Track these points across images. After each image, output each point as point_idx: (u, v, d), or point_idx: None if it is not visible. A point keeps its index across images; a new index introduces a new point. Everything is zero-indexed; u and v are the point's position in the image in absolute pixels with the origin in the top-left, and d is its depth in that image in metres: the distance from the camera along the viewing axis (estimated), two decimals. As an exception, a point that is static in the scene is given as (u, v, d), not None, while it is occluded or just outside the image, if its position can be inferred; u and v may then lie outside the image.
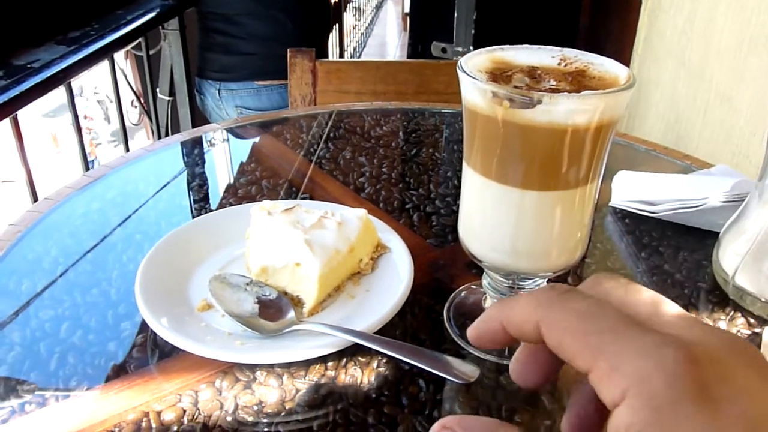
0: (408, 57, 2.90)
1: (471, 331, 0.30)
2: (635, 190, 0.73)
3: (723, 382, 0.23)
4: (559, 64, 0.49)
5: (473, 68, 0.47)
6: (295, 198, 0.78)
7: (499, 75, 0.47)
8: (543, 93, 0.42)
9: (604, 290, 0.28)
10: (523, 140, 0.44)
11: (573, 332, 0.25)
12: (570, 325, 0.25)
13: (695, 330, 0.25)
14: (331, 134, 0.95)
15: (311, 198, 0.77)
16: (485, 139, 0.46)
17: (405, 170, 0.85)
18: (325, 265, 0.54)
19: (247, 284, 0.56)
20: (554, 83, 0.46)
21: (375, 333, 0.51)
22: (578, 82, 0.46)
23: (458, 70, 0.46)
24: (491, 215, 0.48)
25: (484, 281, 0.55)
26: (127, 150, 1.80)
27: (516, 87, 0.45)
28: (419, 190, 0.80)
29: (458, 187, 0.80)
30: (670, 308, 0.27)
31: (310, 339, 0.52)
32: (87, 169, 1.63)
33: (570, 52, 0.50)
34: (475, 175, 0.48)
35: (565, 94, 0.42)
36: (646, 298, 0.27)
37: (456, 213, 0.74)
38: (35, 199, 1.35)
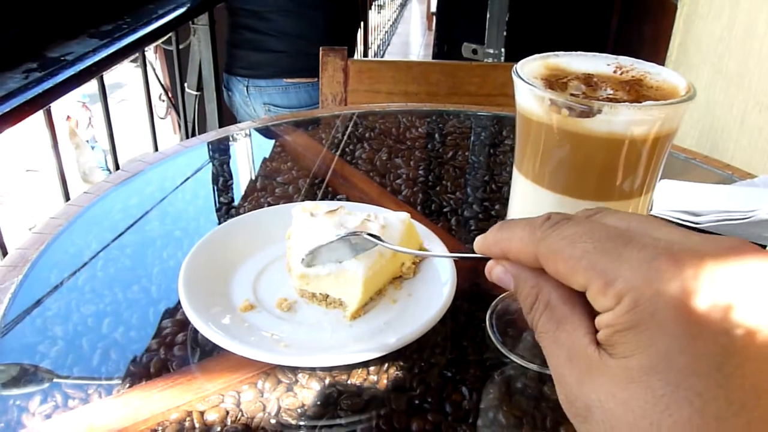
0: (433, 57, 2.88)
1: (477, 244, 0.35)
2: (678, 200, 0.72)
3: (710, 285, 0.24)
4: (614, 72, 0.48)
5: (528, 75, 0.46)
6: (332, 199, 0.77)
7: (554, 82, 0.46)
8: (603, 102, 0.41)
9: (600, 216, 0.31)
10: (579, 149, 0.44)
11: (567, 259, 0.28)
12: (564, 253, 0.28)
13: (692, 237, 0.27)
14: (366, 135, 0.95)
15: (348, 199, 0.77)
16: (539, 147, 0.46)
17: (442, 173, 0.84)
18: (369, 268, 0.54)
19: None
20: (611, 92, 0.45)
21: (416, 339, 0.51)
22: (636, 91, 0.45)
23: (514, 76, 0.45)
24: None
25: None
26: (156, 146, 1.81)
27: (573, 95, 0.44)
28: (456, 194, 0.79)
29: (496, 192, 0.80)
30: (667, 225, 0.29)
31: (352, 343, 0.52)
32: (117, 167, 1.64)
33: (625, 60, 0.49)
34: (526, 182, 0.48)
35: (627, 105, 0.41)
36: (641, 217, 0.30)
37: (495, 218, 0.74)
38: (66, 191, 1.36)
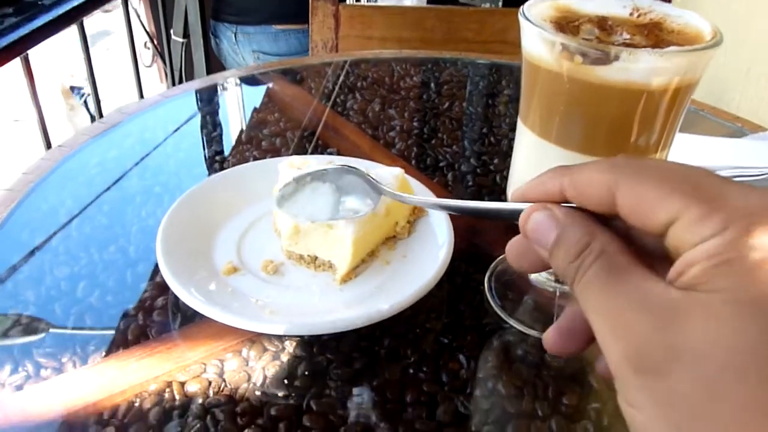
0: (428, 1, 2.79)
1: (517, 191, 0.29)
2: (688, 154, 0.68)
3: None
4: (631, 14, 0.44)
5: (537, 17, 0.41)
6: (322, 153, 0.73)
7: (565, 25, 0.41)
8: (621, 48, 0.37)
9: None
10: (591, 100, 0.40)
11: (658, 183, 0.24)
12: (653, 179, 0.24)
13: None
14: (358, 84, 0.90)
15: (339, 153, 0.73)
16: (547, 97, 0.42)
17: (437, 125, 0.80)
18: (359, 228, 0.50)
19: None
20: (628, 37, 0.41)
21: (411, 305, 0.48)
22: (655, 36, 0.41)
23: (521, 19, 0.41)
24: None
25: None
26: (141, 95, 1.75)
27: (586, 39, 0.40)
28: (453, 147, 0.75)
29: (494, 145, 0.75)
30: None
31: (342, 309, 0.48)
32: (101, 114, 1.58)
33: (642, 2, 0.44)
34: (531, 136, 0.44)
35: (647, 50, 0.37)
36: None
37: (493, 173, 0.70)
38: (47, 141, 1.31)
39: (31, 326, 0.50)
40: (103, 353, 0.48)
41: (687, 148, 0.69)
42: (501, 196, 0.67)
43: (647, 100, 0.39)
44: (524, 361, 0.48)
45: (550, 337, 0.29)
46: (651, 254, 0.25)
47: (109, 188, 0.66)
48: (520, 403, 0.45)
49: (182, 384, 0.45)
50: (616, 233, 0.26)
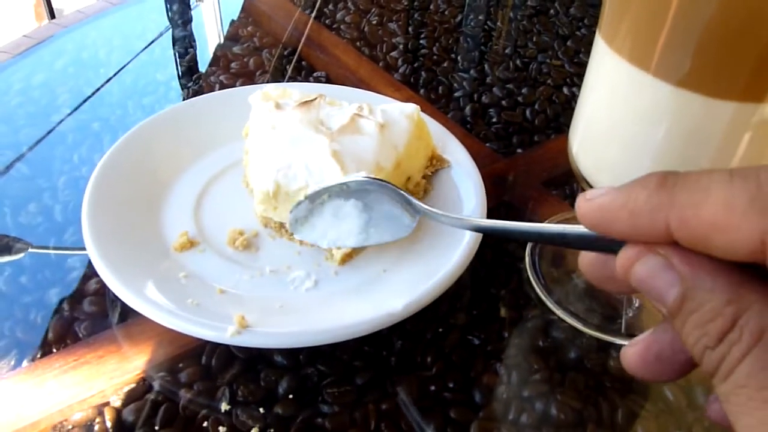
0: None
1: (592, 210, 0.19)
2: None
3: None
4: None
5: None
6: (307, 77, 0.58)
7: None
8: None
9: None
10: (728, 13, 0.25)
11: None
12: None
13: None
14: (351, -9, 0.74)
15: (328, 79, 0.58)
16: (655, 7, 0.27)
17: (450, 44, 0.65)
18: (361, 188, 0.37)
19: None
20: None
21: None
22: None
23: None
24: (643, 132, 0.30)
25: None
26: None
27: None
28: (471, 72, 0.60)
29: (521, 69, 0.61)
30: None
31: (339, 304, 0.35)
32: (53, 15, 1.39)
33: None
34: (620, 64, 0.30)
35: None
36: None
37: (522, 106, 0.56)
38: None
39: None
40: (10, 363, 0.35)
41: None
42: (534, 136, 0.53)
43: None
44: (581, 370, 0.36)
45: (631, 361, 0.21)
46: None
47: (31, 124, 0.51)
48: (583, 437, 0.33)
49: (118, 411, 0.33)
50: None
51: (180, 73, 0.60)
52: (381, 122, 0.40)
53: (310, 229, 0.35)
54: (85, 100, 0.54)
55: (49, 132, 0.51)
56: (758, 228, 0.15)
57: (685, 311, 0.17)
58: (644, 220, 0.17)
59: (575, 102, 0.35)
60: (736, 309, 0.16)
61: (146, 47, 0.62)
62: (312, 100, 0.41)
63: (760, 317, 0.16)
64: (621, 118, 0.31)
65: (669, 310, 0.18)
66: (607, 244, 0.19)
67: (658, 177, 0.17)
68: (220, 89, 0.54)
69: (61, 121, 0.52)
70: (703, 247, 0.16)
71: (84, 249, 0.36)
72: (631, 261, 0.18)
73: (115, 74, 0.58)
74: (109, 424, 0.32)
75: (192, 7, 0.69)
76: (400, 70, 0.60)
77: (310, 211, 0.35)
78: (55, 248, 0.41)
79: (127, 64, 0.59)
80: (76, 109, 0.53)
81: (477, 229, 0.28)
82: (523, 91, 0.58)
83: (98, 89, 0.56)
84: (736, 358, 0.16)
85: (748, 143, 0.28)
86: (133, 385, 0.34)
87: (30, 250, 0.41)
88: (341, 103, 0.42)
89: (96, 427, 0.32)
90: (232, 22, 0.68)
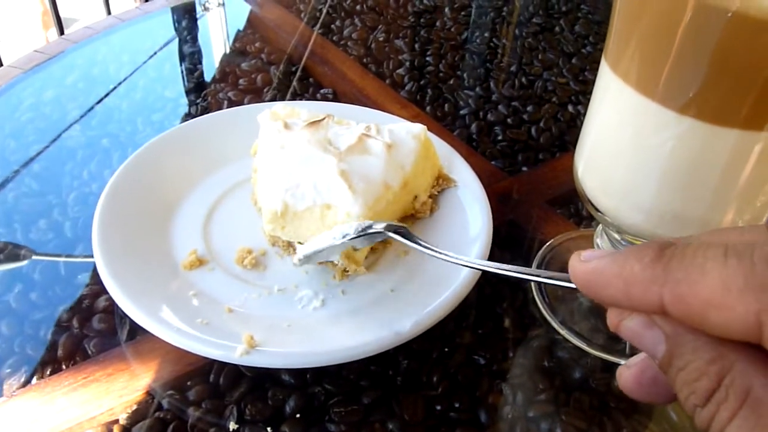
0: None
1: (586, 273, 0.19)
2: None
3: None
4: None
5: None
6: (314, 93, 0.59)
7: None
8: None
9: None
10: (742, 44, 0.26)
11: None
12: None
13: None
14: (357, 7, 0.74)
15: (335, 96, 0.59)
16: (660, 36, 0.28)
17: (455, 61, 0.65)
18: (369, 207, 0.37)
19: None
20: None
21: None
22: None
23: None
24: (648, 158, 0.31)
25: (599, 240, 0.38)
26: (108, 9, 1.55)
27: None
28: (476, 90, 0.61)
29: (527, 87, 0.61)
30: None
31: (347, 322, 0.36)
32: (62, 31, 1.39)
33: None
34: (625, 90, 0.30)
35: None
36: None
37: (528, 124, 0.56)
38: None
39: None
40: (20, 381, 0.35)
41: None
42: (539, 154, 0.53)
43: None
44: (585, 390, 0.36)
45: (627, 382, 0.22)
46: None
47: (41, 140, 0.52)
48: (588, 459, 0.33)
49: (126, 429, 0.33)
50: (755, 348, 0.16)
51: (188, 89, 0.60)
52: (388, 142, 0.40)
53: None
54: (92, 114, 0.55)
55: (57, 145, 0.51)
56: (753, 308, 0.15)
57: (674, 368, 0.18)
58: (638, 291, 0.18)
59: (580, 120, 0.36)
60: (719, 368, 0.17)
61: (149, 59, 0.63)
62: (320, 120, 0.41)
63: (742, 377, 0.16)
64: (626, 143, 0.31)
65: (659, 366, 0.19)
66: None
67: (654, 250, 0.18)
68: (228, 106, 0.55)
69: (71, 136, 0.53)
70: (698, 323, 0.17)
71: (92, 256, 0.36)
72: (618, 318, 0.19)
73: (117, 87, 0.59)
74: (117, 442, 0.32)
75: (198, 16, 0.70)
76: (407, 87, 0.61)
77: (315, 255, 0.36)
78: (65, 255, 0.42)
79: (130, 75, 0.60)
80: (82, 124, 0.54)
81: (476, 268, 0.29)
82: (529, 108, 0.58)
83: (103, 102, 0.57)
84: (725, 418, 0.17)
85: (751, 169, 0.29)
86: (142, 403, 0.34)
87: (34, 257, 0.42)
88: (349, 122, 0.43)
89: (105, 445, 0.32)
90: (238, 32, 0.68)
